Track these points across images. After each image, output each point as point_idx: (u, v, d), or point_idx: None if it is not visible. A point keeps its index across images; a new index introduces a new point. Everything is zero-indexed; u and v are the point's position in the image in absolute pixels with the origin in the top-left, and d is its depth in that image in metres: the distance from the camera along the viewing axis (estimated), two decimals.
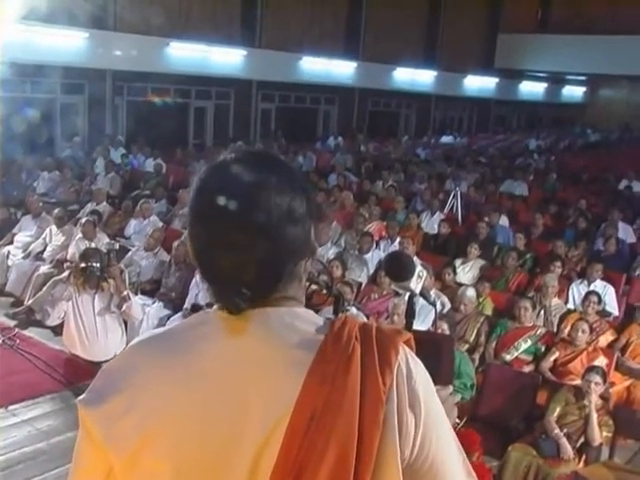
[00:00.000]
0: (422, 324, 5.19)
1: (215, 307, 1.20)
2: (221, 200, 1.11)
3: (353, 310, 6.01)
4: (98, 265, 6.02)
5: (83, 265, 6.04)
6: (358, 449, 1.05)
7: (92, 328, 6.04)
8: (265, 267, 1.13)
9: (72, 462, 1.24)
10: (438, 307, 6.20)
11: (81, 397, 1.21)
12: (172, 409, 1.14)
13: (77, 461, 1.23)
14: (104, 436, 1.16)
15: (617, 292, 7.37)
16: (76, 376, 5.58)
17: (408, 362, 1.13)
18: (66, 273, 6.73)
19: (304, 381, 1.08)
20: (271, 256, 1.12)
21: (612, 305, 7.16)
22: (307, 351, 1.11)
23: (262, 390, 1.10)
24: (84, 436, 1.20)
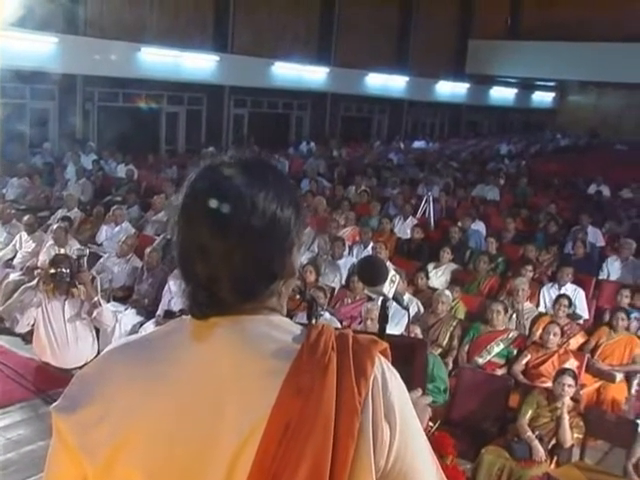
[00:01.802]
0: (395, 328, 5.21)
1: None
2: (203, 203, 1.10)
3: (327, 315, 6.02)
4: (68, 271, 5.94)
5: (52, 271, 5.96)
6: (333, 459, 1.05)
7: (62, 335, 5.95)
8: (239, 281, 1.12)
9: (45, 470, 1.22)
10: (411, 311, 6.23)
11: (55, 403, 1.20)
12: (145, 418, 1.13)
13: (50, 469, 1.21)
14: (79, 443, 1.15)
15: (587, 295, 7.45)
16: (47, 384, 5.50)
17: (384, 372, 1.13)
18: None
19: (280, 390, 1.07)
20: (245, 268, 1.11)
21: (582, 308, 7.23)
22: (283, 360, 1.10)
23: (237, 398, 1.10)
24: (58, 443, 1.19)
